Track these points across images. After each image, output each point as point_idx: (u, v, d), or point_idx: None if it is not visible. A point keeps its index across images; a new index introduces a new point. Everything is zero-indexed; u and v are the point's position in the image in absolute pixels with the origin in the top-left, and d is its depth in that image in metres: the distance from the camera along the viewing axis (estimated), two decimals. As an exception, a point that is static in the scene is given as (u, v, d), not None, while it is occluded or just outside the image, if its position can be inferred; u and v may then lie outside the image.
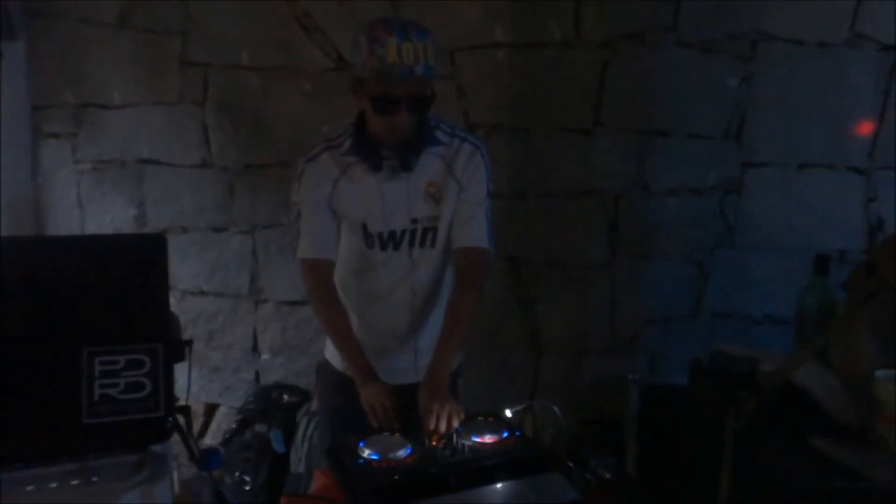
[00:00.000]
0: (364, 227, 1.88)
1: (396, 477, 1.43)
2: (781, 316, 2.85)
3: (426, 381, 1.74)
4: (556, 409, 1.85)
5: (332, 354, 2.05)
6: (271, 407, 3.03)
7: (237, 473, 2.86)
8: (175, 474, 1.12)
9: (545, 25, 2.81)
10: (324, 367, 2.10)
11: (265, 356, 3.20)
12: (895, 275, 1.41)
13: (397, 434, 1.59)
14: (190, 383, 1.23)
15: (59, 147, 3.18)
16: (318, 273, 1.89)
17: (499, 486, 1.45)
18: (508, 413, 1.70)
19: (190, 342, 1.15)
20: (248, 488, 2.84)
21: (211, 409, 3.27)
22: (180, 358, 1.11)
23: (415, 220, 1.88)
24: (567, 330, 3.00)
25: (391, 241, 1.89)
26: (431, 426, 1.60)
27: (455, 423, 1.61)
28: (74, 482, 0.95)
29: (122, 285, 1.05)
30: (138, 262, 1.07)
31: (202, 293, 3.17)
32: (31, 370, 0.97)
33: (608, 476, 1.55)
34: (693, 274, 2.94)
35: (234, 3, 2.95)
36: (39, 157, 3.21)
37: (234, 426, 3.01)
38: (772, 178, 2.86)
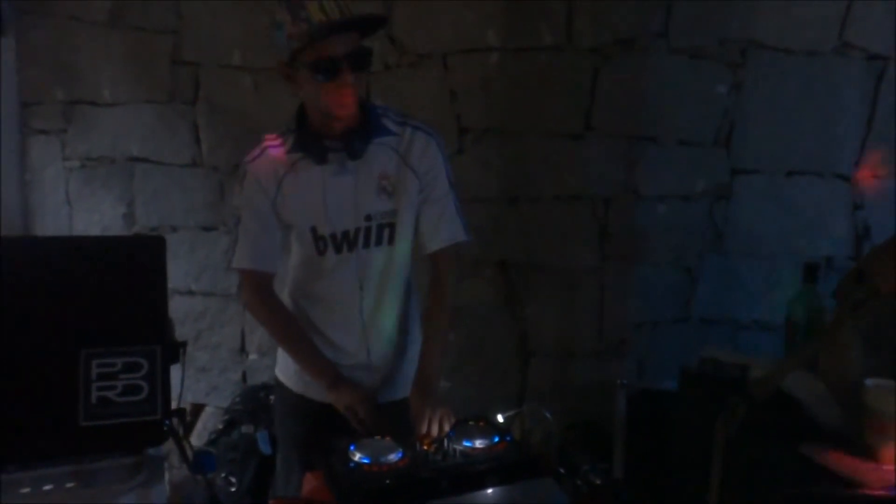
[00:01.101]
0: (314, 230, 1.77)
1: (387, 481, 1.42)
2: (769, 321, 2.87)
3: (415, 386, 1.74)
4: (547, 414, 1.85)
5: (285, 374, 1.95)
6: (258, 408, 3.02)
7: (223, 474, 2.85)
8: (166, 476, 1.12)
9: (537, 30, 2.82)
10: (278, 390, 2.00)
11: (253, 356, 3.19)
12: (890, 283, 1.43)
13: (388, 438, 1.58)
14: (183, 384, 1.23)
15: (48, 144, 3.16)
16: (257, 285, 1.79)
17: (490, 490, 1.46)
18: (500, 418, 1.70)
19: (184, 344, 1.14)
20: (233, 489, 2.83)
21: (197, 410, 3.25)
22: (174, 360, 1.11)
23: (368, 217, 1.76)
24: (556, 334, 3.00)
25: (345, 241, 1.77)
26: (423, 430, 1.60)
27: (446, 427, 1.61)
28: (71, 484, 0.94)
29: (120, 287, 1.04)
30: (137, 264, 1.07)
31: (190, 293, 3.15)
32: (29, 372, 0.97)
33: (598, 482, 1.56)
34: (682, 279, 2.95)
35: (225, 2, 2.95)
36: (28, 153, 3.18)
37: (220, 426, 3.00)
38: (760, 185, 2.88)
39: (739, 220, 2.91)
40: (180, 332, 3.22)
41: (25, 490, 0.92)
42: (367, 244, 1.78)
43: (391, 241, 1.80)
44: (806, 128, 2.84)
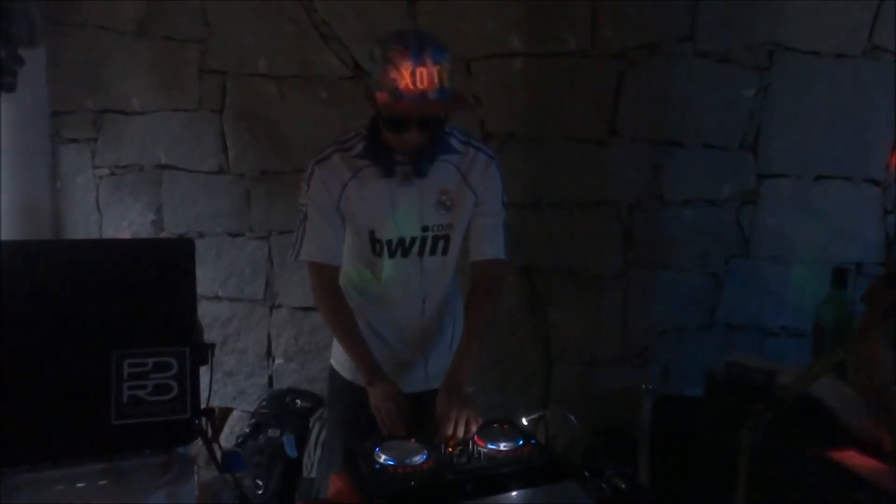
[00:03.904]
0: (371, 233, 1.85)
1: (412, 483, 1.43)
2: (797, 328, 2.84)
3: (444, 387, 1.75)
4: (571, 417, 1.85)
5: (338, 362, 2.05)
6: (284, 412, 3.04)
7: (250, 477, 2.87)
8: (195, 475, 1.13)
9: (561, 35, 2.82)
10: (330, 376, 2.10)
11: (279, 361, 3.22)
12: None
13: (413, 440, 1.59)
14: (211, 386, 1.25)
15: (79, 152, 3.22)
16: (323, 276, 1.87)
17: (514, 493, 1.45)
18: (524, 421, 1.70)
19: (213, 346, 1.16)
20: (260, 492, 2.85)
21: (224, 414, 3.28)
22: (203, 361, 1.12)
23: (425, 228, 1.86)
24: (580, 339, 2.99)
25: (400, 248, 1.86)
26: (449, 431, 1.60)
27: (473, 429, 1.61)
28: (102, 482, 0.96)
29: (151, 289, 1.06)
30: (167, 266, 1.09)
31: (217, 298, 3.19)
32: (62, 371, 0.99)
33: (623, 486, 1.55)
34: (707, 285, 2.93)
35: (252, 11, 2.98)
36: (59, 161, 3.25)
37: (247, 430, 3.03)
38: (788, 190, 2.85)
39: (766, 225, 2.88)
40: (207, 338, 3.25)
41: (59, 487, 0.94)
42: (421, 252, 1.88)
43: (445, 251, 1.90)
44: (834, 131, 2.81)
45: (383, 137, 1.78)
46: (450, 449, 1.55)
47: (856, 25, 2.74)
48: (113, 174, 3.21)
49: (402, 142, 1.73)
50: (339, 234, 1.87)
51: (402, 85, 1.61)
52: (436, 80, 1.62)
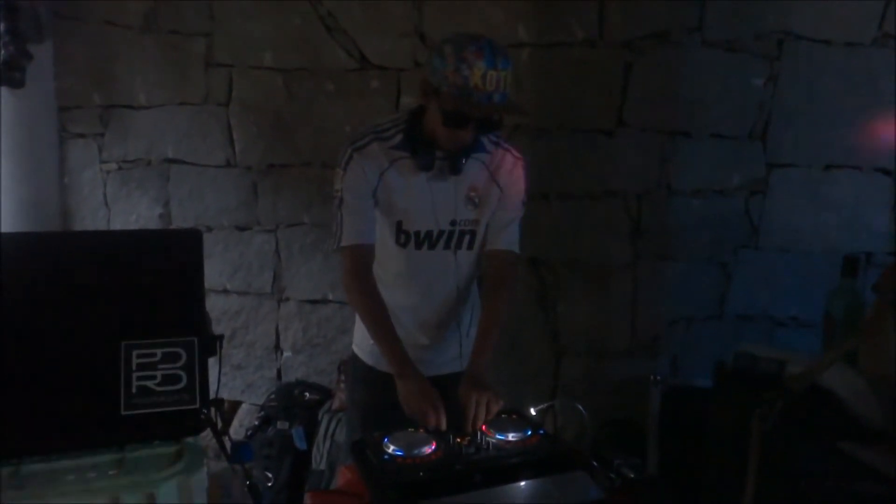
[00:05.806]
0: (399, 224, 1.90)
1: (421, 473, 1.43)
2: (806, 318, 2.83)
3: (466, 374, 1.78)
4: (580, 407, 1.85)
5: (360, 347, 2.08)
6: (293, 404, 3.05)
7: (259, 470, 2.88)
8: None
9: (568, 25, 2.81)
10: (352, 361, 2.13)
11: (287, 354, 3.22)
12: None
13: (422, 430, 1.59)
14: (220, 378, 1.25)
15: (86, 147, 3.23)
16: (359, 259, 1.89)
17: (523, 483, 1.45)
18: (533, 412, 1.70)
19: (221, 337, 1.16)
20: (270, 485, 2.87)
21: (233, 407, 3.29)
22: (212, 352, 1.12)
23: (454, 223, 1.91)
24: (588, 330, 2.99)
25: (427, 240, 1.91)
26: (472, 414, 1.62)
27: (494, 409, 1.64)
28: (112, 472, 0.96)
29: (159, 280, 1.06)
30: (175, 257, 1.09)
31: (225, 291, 3.19)
32: (72, 362, 0.99)
33: (632, 476, 1.55)
34: (716, 275, 2.92)
35: (258, 4, 2.98)
36: (66, 157, 3.25)
37: (256, 423, 3.04)
38: (797, 179, 2.84)
39: (775, 215, 2.87)
40: (215, 331, 3.24)
41: (70, 477, 0.94)
42: (447, 246, 1.93)
43: (470, 246, 1.96)
44: (844, 121, 2.79)
45: (425, 132, 1.82)
46: (458, 440, 1.55)
47: (866, 14, 2.72)
48: (120, 169, 3.22)
49: (453, 137, 1.77)
50: (374, 217, 1.91)
51: (472, 83, 1.66)
52: (502, 84, 1.69)
